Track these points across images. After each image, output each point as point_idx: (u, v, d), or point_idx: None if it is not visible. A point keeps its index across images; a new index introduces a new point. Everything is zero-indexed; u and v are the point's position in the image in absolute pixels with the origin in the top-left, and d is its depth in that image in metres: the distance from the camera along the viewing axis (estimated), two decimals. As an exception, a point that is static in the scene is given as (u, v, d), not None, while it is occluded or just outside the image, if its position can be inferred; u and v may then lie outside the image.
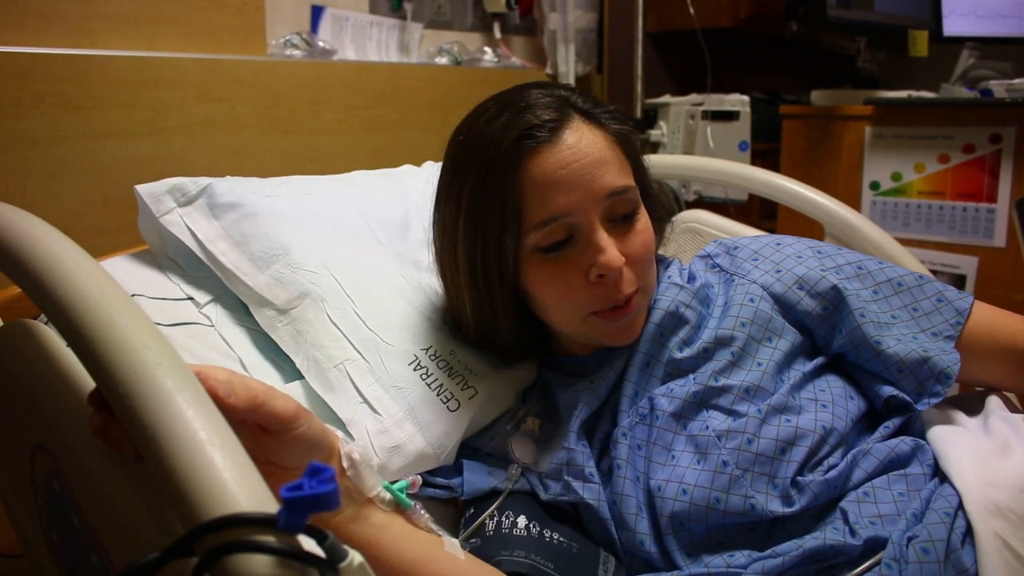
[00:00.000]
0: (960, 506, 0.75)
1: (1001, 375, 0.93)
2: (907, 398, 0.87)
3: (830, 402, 0.86)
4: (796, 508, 0.79)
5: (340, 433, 0.78)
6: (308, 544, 0.44)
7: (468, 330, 0.97)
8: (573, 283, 0.87)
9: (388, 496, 0.78)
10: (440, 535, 0.80)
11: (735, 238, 1.02)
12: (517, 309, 0.94)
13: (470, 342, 0.98)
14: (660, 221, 0.99)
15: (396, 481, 0.80)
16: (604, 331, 0.89)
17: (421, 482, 0.84)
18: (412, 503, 0.80)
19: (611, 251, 0.85)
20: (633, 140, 0.94)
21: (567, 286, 0.87)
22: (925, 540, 0.72)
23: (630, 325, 0.90)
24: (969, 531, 0.73)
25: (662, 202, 1.00)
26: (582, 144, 0.86)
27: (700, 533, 0.82)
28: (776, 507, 0.79)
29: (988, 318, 0.92)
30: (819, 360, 0.91)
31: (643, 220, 0.91)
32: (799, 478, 0.81)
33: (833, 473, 0.81)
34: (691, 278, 0.98)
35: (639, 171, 0.94)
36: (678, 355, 0.90)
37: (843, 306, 0.90)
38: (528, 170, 0.85)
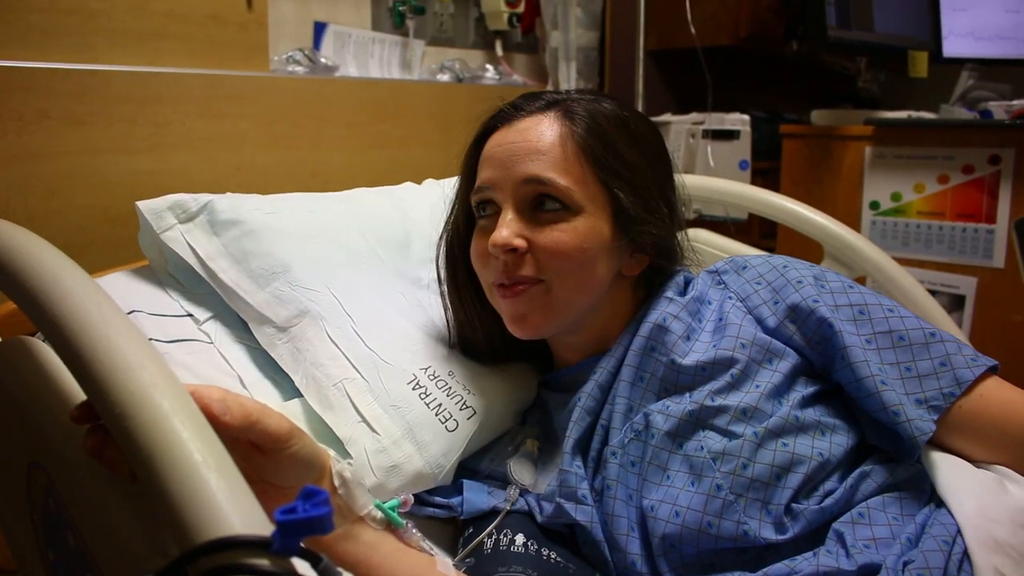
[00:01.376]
0: (957, 534, 0.74)
1: (1006, 460, 0.84)
2: (890, 450, 0.84)
3: (829, 429, 0.84)
4: (789, 535, 0.79)
5: (332, 452, 0.78)
6: (302, 567, 0.44)
7: (451, 325, 1.03)
8: (482, 251, 0.92)
9: (379, 514, 0.78)
10: (432, 554, 0.80)
11: (747, 257, 0.98)
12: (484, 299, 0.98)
13: (455, 344, 1.02)
14: (653, 248, 0.95)
15: (388, 500, 0.80)
16: (503, 312, 0.94)
17: (413, 501, 0.84)
18: (404, 522, 0.79)
19: (503, 230, 0.88)
20: (607, 152, 0.90)
21: (479, 252, 0.94)
22: (922, 567, 0.72)
23: (522, 317, 0.91)
24: (964, 560, 0.73)
25: (650, 232, 0.93)
26: (529, 132, 0.91)
27: (691, 556, 0.81)
28: (769, 534, 0.78)
29: (1000, 402, 0.83)
30: (820, 385, 0.89)
31: (573, 223, 0.88)
32: (794, 505, 0.80)
33: (829, 501, 0.80)
34: (688, 292, 0.97)
35: (611, 184, 0.90)
36: (680, 360, 0.88)
37: (836, 340, 0.86)
38: (486, 144, 0.95)
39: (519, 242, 0.88)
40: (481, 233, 0.94)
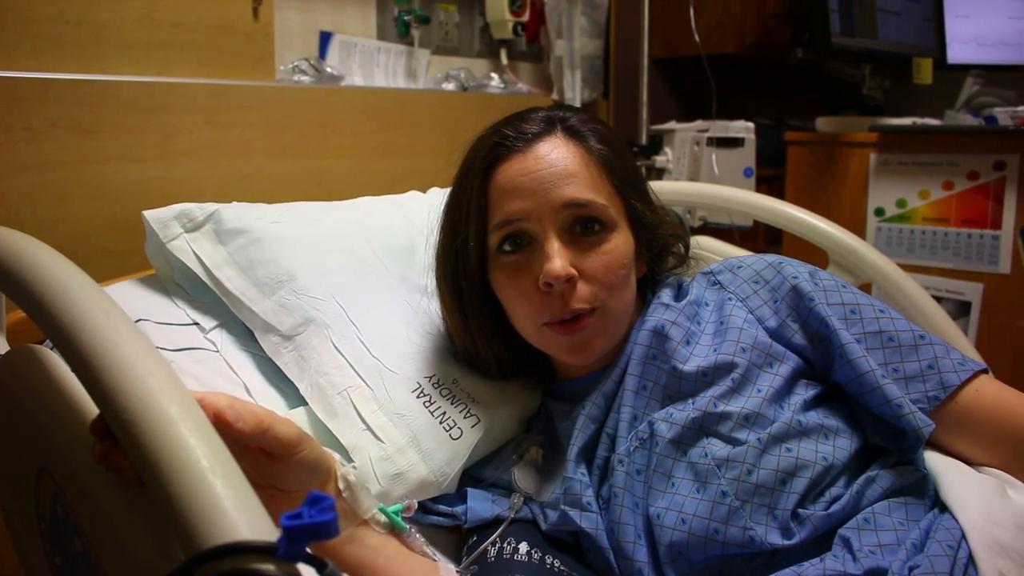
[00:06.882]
0: (962, 539, 0.74)
1: (999, 460, 0.84)
2: (892, 449, 0.85)
3: (832, 432, 0.84)
4: (796, 541, 0.78)
5: (337, 456, 0.79)
6: (308, 572, 0.44)
7: (455, 344, 0.99)
8: (526, 288, 0.88)
9: (383, 518, 0.78)
10: (435, 559, 0.80)
11: (741, 257, 0.99)
12: (494, 321, 0.95)
13: (460, 359, 1.00)
14: (660, 251, 0.99)
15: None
16: (558, 345, 0.90)
17: (416, 505, 0.84)
18: (407, 526, 0.80)
19: (556, 260, 0.85)
20: (619, 164, 0.93)
21: (521, 291, 0.89)
22: (928, 572, 0.71)
23: (585, 345, 0.89)
24: (969, 565, 0.73)
25: (662, 235, 0.98)
26: (551, 155, 0.89)
27: (699, 563, 0.81)
28: (775, 539, 0.78)
29: (993, 399, 0.84)
30: (821, 387, 0.89)
31: (614, 241, 0.90)
32: (800, 510, 0.80)
33: (836, 507, 0.79)
34: (683, 296, 0.97)
35: (628, 196, 0.93)
36: (681, 366, 0.88)
37: (833, 338, 0.87)
38: (495, 176, 0.90)
39: (574, 271, 0.86)
40: (515, 269, 0.89)
